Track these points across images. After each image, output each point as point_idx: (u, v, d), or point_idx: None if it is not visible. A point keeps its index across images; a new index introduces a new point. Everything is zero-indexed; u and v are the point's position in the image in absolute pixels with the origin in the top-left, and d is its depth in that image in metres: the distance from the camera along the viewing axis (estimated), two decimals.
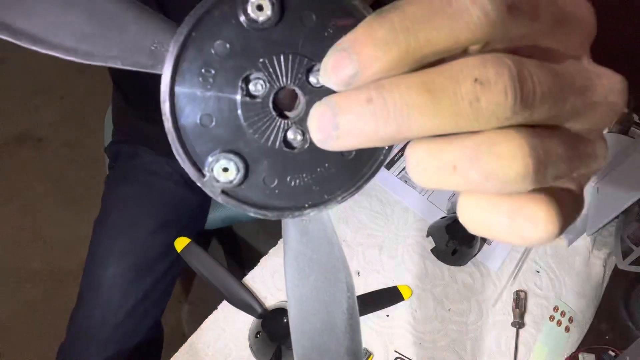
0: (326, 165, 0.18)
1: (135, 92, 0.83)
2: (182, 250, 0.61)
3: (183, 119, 0.17)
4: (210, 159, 0.17)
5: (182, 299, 1.37)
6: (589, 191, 0.74)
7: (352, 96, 0.13)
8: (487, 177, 0.13)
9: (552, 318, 0.66)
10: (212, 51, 0.17)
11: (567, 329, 0.66)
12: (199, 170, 0.17)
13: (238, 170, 0.17)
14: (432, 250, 0.70)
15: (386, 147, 0.18)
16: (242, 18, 0.16)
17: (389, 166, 0.77)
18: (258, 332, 0.58)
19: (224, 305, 0.63)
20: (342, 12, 0.17)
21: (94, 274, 0.78)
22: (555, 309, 0.67)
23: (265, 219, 0.19)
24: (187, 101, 0.17)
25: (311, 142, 0.17)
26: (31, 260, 1.41)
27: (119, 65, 0.17)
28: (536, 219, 0.14)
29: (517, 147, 0.13)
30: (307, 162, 0.18)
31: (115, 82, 0.86)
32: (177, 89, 0.17)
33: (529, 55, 0.13)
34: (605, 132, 0.84)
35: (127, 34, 0.17)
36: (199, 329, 0.61)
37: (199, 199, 0.90)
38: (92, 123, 1.62)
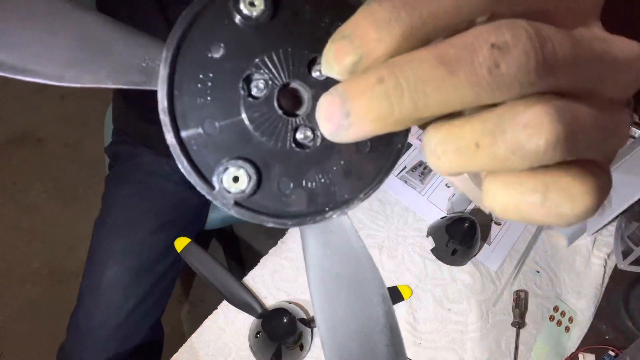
0: (342, 162, 0.17)
1: (135, 92, 0.83)
2: (182, 250, 0.61)
3: (185, 129, 0.16)
4: (218, 168, 0.16)
5: (182, 299, 1.37)
6: None
7: (362, 79, 0.12)
8: (513, 151, 0.12)
9: (552, 318, 0.66)
10: (208, 54, 0.16)
11: (567, 329, 0.66)
12: (208, 182, 0.16)
13: (250, 178, 0.16)
14: (432, 250, 0.69)
15: (402, 135, 0.17)
16: (236, 16, 0.16)
17: None
18: (258, 332, 0.58)
19: (224, 305, 0.63)
20: (338, 1, 0.16)
21: (94, 274, 0.78)
22: (555, 309, 0.67)
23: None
24: (187, 110, 0.16)
25: (323, 139, 0.17)
26: (31, 260, 1.41)
27: (110, 86, 0.16)
28: (573, 193, 0.12)
29: (544, 114, 0.12)
30: (322, 162, 0.17)
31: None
32: (175, 98, 0.16)
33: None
34: None
35: (116, 55, 0.16)
36: (199, 329, 0.61)
37: (199, 199, 0.90)
38: (92, 123, 1.62)
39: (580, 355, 0.64)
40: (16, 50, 0.16)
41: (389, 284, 0.66)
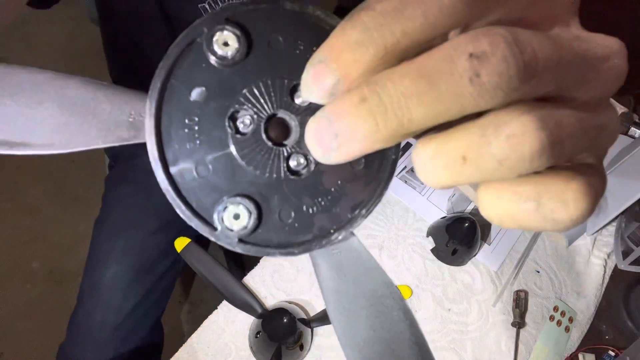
0: (339, 182, 0.17)
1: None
2: (182, 250, 0.61)
3: (178, 175, 0.16)
4: (217, 208, 0.16)
5: (182, 299, 1.37)
6: None
7: (345, 100, 0.13)
8: (500, 162, 0.12)
9: (552, 318, 0.66)
10: (191, 99, 0.16)
11: (567, 329, 0.66)
12: (209, 224, 0.16)
13: (250, 213, 0.16)
14: (432, 250, 0.69)
15: (395, 147, 0.17)
16: (212, 58, 0.16)
17: None
18: (258, 332, 0.58)
19: (224, 305, 0.63)
20: (309, 27, 0.16)
21: (94, 274, 0.78)
22: (555, 309, 0.67)
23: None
24: (178, 156, 0.16)
25: (317, 164, 0.17)
26: (31, 260, 1.41)
27: (101, 146, 0.17)
28: (565, 197, 0.12)
29: (527, 122, 0.12)
30: (319, 185, 0.17)
31: (114, 82, 0.86)
32: (165, 146, 0.16)
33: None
34: None
35: (102, 114, 0.17)
36: (199, 329, 0.61)
37: None
38: None
39: (580, 355, 0.64)
40: (3, 127, 0.16)
41: None
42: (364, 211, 0.18)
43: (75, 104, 0.16)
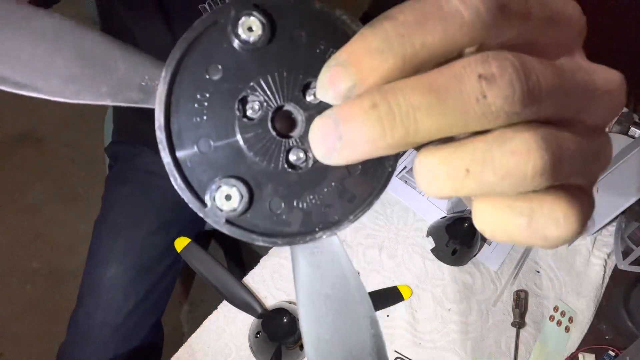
0: (333, 184, 0.17)
1: None
2: (182, 250, 0.61)
3: (180, 146, 0.16)
4: (211, 187, 0.16)
5: (182, 299, 1.37)
6: None
7: (355, 104, 0.13)
8: (502, 177, 0.12)
9: (552, 318, 0.66)
10: (206, 75, 0.16)
11: (567, 329, 0.66)
12: (200, 200, 0.17)
13: (241, 196, 0.16)
14: (432, 250, 0.69)
15: (393, 159, 0.18)
16: (234, 40, 0.16)
17: None
18: (258, 332, 0.58)
19: (224, 305, 0.63)
20: (332, 28, 0.17)
21: (94, 274, 0.78)
22: (555, 309, 0.67)
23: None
24: (183, 128, 0.16)
25: (315, 161, 0.17)
26: (31, 260, 1.41)
27: (109, 103, 0.17)
28: (557, 216, 0.13)
29: (532, 142, 0.12)
30: (313, 183, 0.17)
31: None
32: (172, 116, 0.16)
33: (524, 53, 0.13)
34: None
35: (116, 72, 0.17)
36: (199, 329, 0.61)
37: None
38: (92, 123, 1.62)
39: (580, 355, 0.64)
40: (19, 67, 0.16)
41: (389, 284, 0.66)
42: (351, 217, 0.18)
43: (92, 57, 0.17)
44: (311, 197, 0.17)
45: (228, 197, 0.16)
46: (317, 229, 0.18)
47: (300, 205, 0.17)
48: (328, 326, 0.19)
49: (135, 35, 0.70)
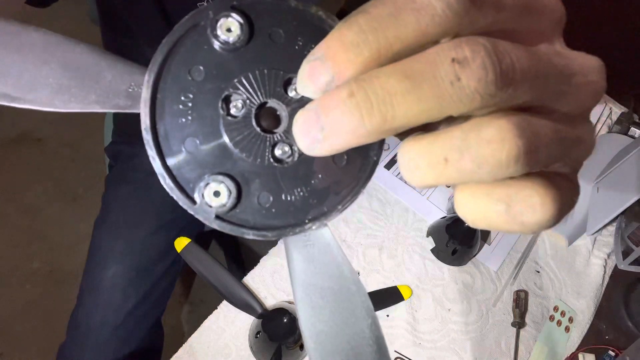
0: (320, 176, 0.18)
1: None
2: (182, 250, 0.61)
3: (167, 147, 0.17)
4: (199, 184, 0.17)
5: (182, 299, 1.37)
6: (589, 191, 0.74)
7: (334, 94, 0.13)
8: (479, 165, 0.13)
9: (552, 318, 0.66)
10: (189, 77, 0.17)
11: (567, 329, 0.66)
12: (190, 197, 0.17)
13: (230, 192, 0.17)
14: (432, 250, 0.69)
15: (377, 149, 0.18)
16: (214, 42, 0.17)
17: (389, 166, 0.77)
18: (258, 332, 0.58)
19: (224, 305, 0.63)
20: (310, 25, 0.17)
21: (94, 274, 0.78)
22: (555, 309, 0.67)
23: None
24: (169, 129, 0.17)
25: (301, 154, 0.17)
26: (31, 260, 1.41)
27: (97, 110, 0.17)
28: (533, 202, 0.14)
29: (506, 130, 0.13)
30: (300, 176, 0.18)
31: None
32: (158, 118, 0.17)
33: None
34: (605, 132, 0.84)
35: (103, 81, 0.17)
36: (199, 329, 0.61)
37: None
38: (92, 123, 1.62)
39: (580, 355, 0.64)
40: (9, 80, 0.17)
41: (389, 284, 0.66)
42: (339, 206, 0.18)
43: (79, 68, 0.17)
44: (299, 189, 0.18)
45: (217, 194, 0.17)
46: (306, 221, 0.18)
47: (289, 198, 0.18)
48: (326, 319, 0.19)
49: (134, 33, 0.70)
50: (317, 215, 0.18)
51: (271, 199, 0.18)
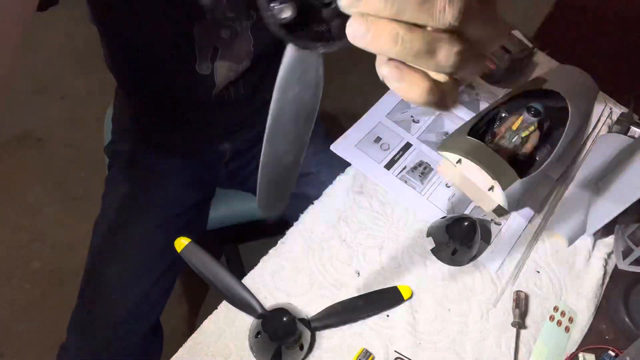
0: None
1: (137, 90, 0.83)
2: (182, 250, 0.61)
3: None
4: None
5: (182, 299, 1.37)
6: (589, 191, 0.74)
7: None
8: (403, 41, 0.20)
9: (552, 318, 0.66)
10: None
11: (567, 329, 0.66)
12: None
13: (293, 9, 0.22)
14: (432, 250, 0.69)
15: None
16: None
17: (389, 166, 0.77)
18: (258, 332, 0.58)
19: (224, 305, 0.63)
20: None
21: (94, 274, 0.78)
22: (555, 309, 0.67)
23: None
24: None
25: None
26: (31, 260, 1.41)
27: None
28: (412, 83, 0.22)
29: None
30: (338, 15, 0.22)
31: (117, 82, 0.86)
32: None
33: None
34: (605, 132, 0.84)
35: None
36: (199, 329, 0.61)
37: (199, 198, 0.90)
38: (92, 123, 1.62)
39: (580, 355, 0.64)
40: None
41: (389, 284, 0.66)
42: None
43: None
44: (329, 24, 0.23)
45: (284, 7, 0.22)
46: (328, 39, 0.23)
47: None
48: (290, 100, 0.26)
49: (134, 35, 0.69)
50: (331, 39, 0.24)
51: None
